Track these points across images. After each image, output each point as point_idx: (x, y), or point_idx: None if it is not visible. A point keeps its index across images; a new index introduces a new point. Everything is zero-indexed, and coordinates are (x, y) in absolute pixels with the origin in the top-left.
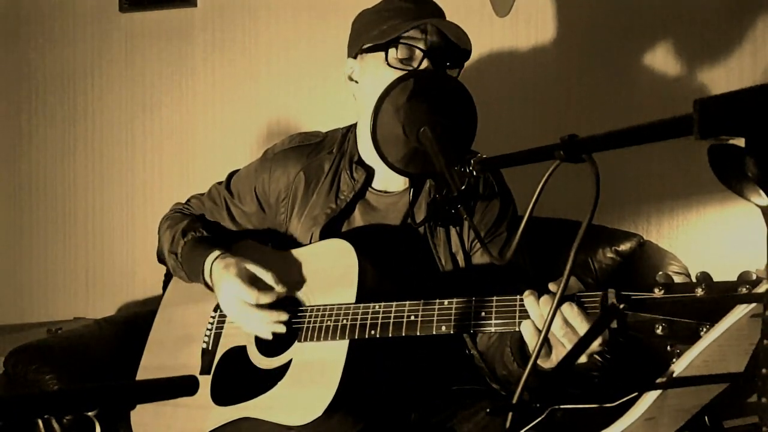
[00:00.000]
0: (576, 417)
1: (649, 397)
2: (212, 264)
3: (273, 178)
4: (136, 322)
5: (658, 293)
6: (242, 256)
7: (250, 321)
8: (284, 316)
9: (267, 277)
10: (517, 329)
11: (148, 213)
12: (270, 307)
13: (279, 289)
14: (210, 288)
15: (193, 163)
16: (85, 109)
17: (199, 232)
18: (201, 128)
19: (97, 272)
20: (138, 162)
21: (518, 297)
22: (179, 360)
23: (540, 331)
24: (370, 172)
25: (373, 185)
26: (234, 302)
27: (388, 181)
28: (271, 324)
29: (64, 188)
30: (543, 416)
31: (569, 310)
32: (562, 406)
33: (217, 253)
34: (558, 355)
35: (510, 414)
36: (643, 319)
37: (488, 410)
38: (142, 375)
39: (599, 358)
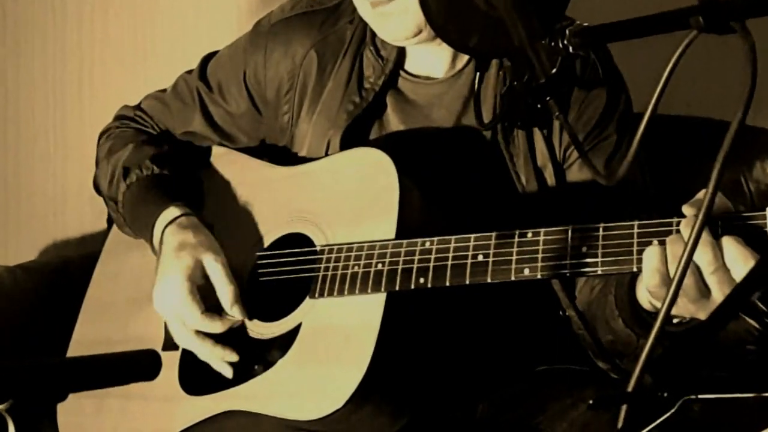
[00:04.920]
0: (721, 411)
1: None
2: (164, 231)
3: (271, 60)
4: (66, 271)
5: None
6: (226, 176)
7: (186, 345)
8: (232, 357)
9: (225, 293)
10: (635, 270)
11: (85, 115)
12: (218, 336)
13: (234, 314)
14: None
15: (152, 40)
16: None
17: (147, 168)
18: None
19: (11, 199)
20: (71, 38)
21: (635, 223)
22: (131, 330)
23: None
24: (401, 47)
25: (407, 67)
26: (169, 309)
27: (429, 61)
28: (213, 360)
29: None
30: (673, 410)
31: (729, 240)
32: (700, 396)
33: (173, 212)
34: (692, 307)
35: (623, 407)
36: None
37: (591, 402)
38: (75, 351)
39: (755, 324)
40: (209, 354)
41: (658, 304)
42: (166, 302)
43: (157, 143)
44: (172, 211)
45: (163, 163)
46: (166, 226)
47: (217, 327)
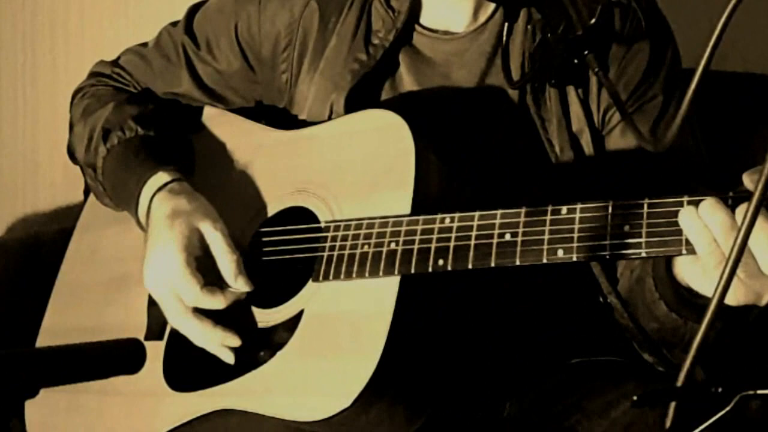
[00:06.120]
0: None
1: None
2: (152, 200)
3: (266, 11)
4: (37, 249)
5: None
6: (219, 141)
7: (181, 326)
8: (234, 341)
9: (227, 263)
10: (684, 252)
11: (59, 72)
12: (219, 314)
13: (238, 287)
14: (143, 229)
15: None
16: None
17: (130, 130)
18: None
19: None
20: None
21: (685, 198)
22: (109, 316)
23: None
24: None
25: (422, 21)
26: (162, 285)
27: (448, 13)
28: (211, 344)
29: None
30: (729, 408)
31: None
32: (759, 392)
33: (162, 178)
34: (751, 292)
35: (672, 405)
36: None
37: (635, 398)
38: (45, 341)
39: None
40: (208, 336)
41: (697, 283)
42: (159, 277)
43: (141, 102)
44: (162, 177)
45: (149, 124)
46: (154, 194)
47: (219, 302)
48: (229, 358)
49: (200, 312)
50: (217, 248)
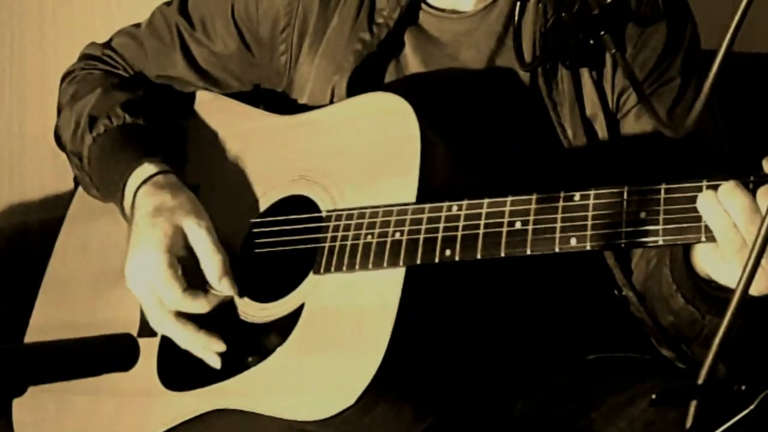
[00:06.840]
0: None
1: None
2: (137, 193)
3: None
4: (24, 240)
5: None
6: (214, 127)
7: (163, 330)
8: (218, 346)
9: (211, 264)
10: (703, 239)
11: (47, 54)
12: (202, 317)
13: (222, 289)
14: (129, 222)
15: None
16: None
17: (118, 117)
18: None
19: None
20: None
21: (704, 183)
22: (100, 312)
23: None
24: None
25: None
26: (144, 287)
27: None
28: (194, 349)
29: None
30: (752, 407)
31: None
32: None
33: (147, 170)
34: None
35: (693, 403)
36: None
37: (654, 397)
38: (34, 337)
39: None
40: (191, 342)
41: (716, 271)
42: (140, 279)
43: (130, 87)
44: (147, 169)
45: (137, 111)
46: (139, 187)
47: (202, 306)
48: (216, 363)
49: (184, 315)
50: (201, 248)
